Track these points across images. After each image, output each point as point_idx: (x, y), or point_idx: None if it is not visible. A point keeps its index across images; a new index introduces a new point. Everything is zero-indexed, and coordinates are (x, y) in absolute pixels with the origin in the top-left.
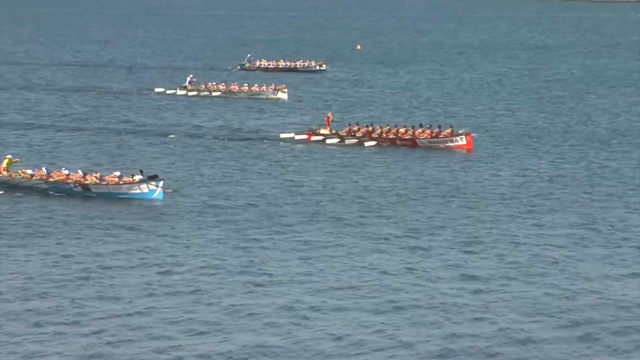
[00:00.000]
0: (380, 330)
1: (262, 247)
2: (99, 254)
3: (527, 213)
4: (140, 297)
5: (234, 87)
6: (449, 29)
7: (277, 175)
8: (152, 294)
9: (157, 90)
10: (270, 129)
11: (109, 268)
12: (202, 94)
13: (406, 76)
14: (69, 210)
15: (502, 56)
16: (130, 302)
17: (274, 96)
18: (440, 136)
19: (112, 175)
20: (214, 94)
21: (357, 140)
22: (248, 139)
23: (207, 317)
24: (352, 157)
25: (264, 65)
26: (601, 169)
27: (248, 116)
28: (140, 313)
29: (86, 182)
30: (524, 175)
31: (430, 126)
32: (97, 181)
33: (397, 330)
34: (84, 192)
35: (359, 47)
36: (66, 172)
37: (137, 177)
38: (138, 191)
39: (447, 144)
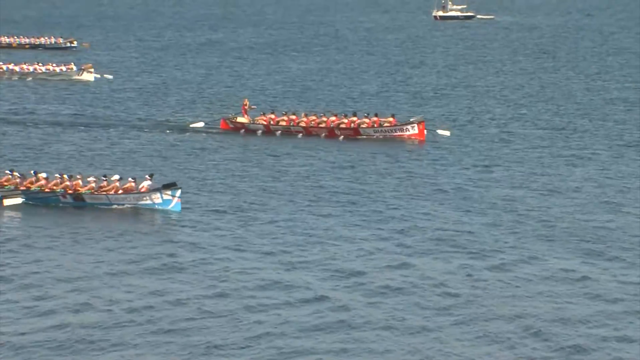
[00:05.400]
0: None
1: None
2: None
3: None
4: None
5: (26, 67)
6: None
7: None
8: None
9: None
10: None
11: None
12: None
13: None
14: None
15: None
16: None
17: (79, 77)
18: (386, 125)
19: (111, 180)
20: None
21: (290, 130)
22: (144, 128)
23: None
24: (295, 148)
25: (5, 41)
26: None
27: (87, 101)
28: None
29: (79, 190)
30: None
31: (368, 115)
32: (94, 189)
33: None
34: (76, 204)
35: None
36: (44, 175)
37: (146, 184)
38: (148, 202)
39: (396, 134)
